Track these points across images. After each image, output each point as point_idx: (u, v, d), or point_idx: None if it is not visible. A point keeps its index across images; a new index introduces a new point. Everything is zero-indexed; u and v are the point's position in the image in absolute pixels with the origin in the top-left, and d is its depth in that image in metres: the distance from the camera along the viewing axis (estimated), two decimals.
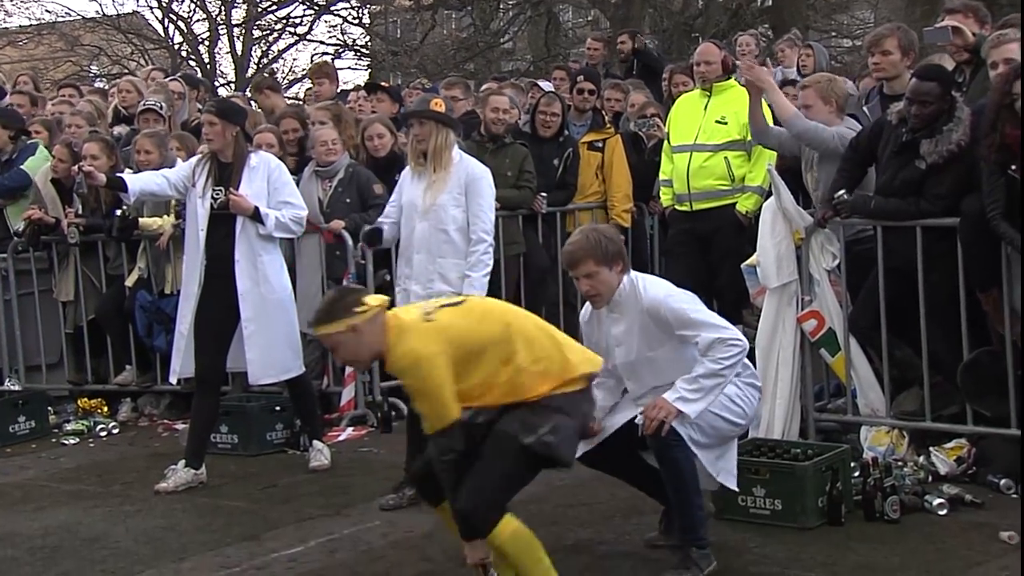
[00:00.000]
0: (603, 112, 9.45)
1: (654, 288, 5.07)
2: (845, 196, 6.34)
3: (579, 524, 5.74)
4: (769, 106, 7.18)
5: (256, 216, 6.82)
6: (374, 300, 4.55)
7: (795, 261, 6.53)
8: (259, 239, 6.90)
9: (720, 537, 5.43)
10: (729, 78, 8.11)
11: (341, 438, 7.73)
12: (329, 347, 4.77)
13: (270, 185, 6.94)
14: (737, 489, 5.27)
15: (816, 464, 5.57)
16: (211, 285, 6.88)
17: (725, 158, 7.90)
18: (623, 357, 5.11)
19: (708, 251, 8.05)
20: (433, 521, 5.97)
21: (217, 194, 6.87)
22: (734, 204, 7.90)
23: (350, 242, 8.06)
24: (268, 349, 6.92)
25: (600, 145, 9.09)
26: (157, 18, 28.33)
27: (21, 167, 9.14)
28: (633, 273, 5.13)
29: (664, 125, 8.74)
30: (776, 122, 7.16)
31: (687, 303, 5.04)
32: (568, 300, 9.10)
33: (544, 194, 8.76)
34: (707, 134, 7.95)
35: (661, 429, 4.83)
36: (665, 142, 8.37)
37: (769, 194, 6.93)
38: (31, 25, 27.57)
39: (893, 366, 6.46)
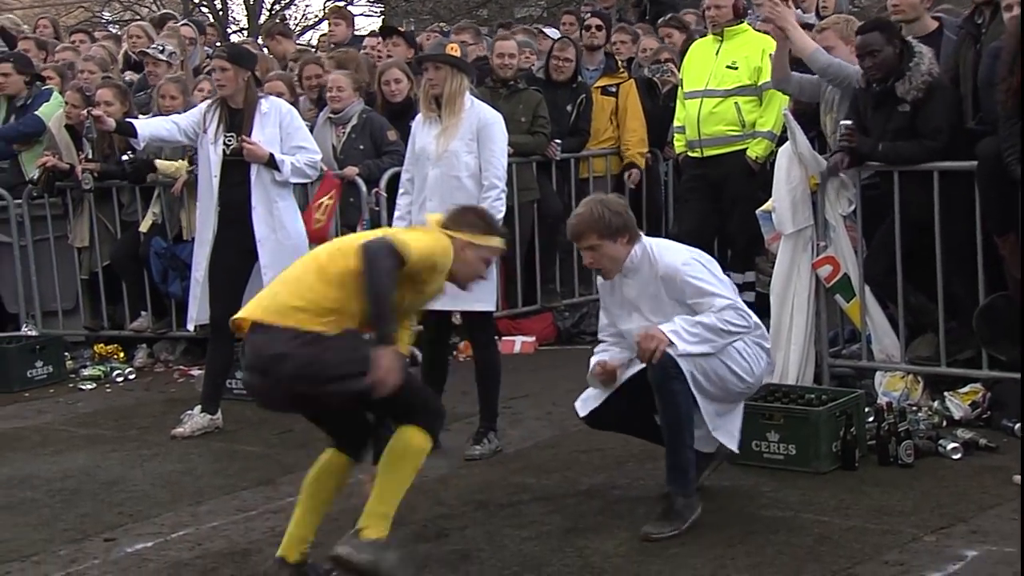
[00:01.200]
0: (615, 57, 9.37)
1: (671, 255, 4.97)
2: (851, 123, 6.28)
3: (593, 469, 5.73)
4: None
5: (271, 163, 6.77)
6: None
7: (810, 207, 6.45)
8: (274, 185, 6.84)
9: (733, 481, 5.43)
10: (741, 22, 8.01)
11: None
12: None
13: (282, 131, 6.87)
14: (737, 451, 5.18)
15: (830, 409, 5.53)
16: (225, 231, 6.84)
17: (735, 103, 7.83)
18: (637, 321, 5.01)
19: (719, 197, 8.03)
20: (447, 466, 6.01)
21: (229, 140, 6.80)
22: (744, 150, 7.84)
23: (364, 189, 8.01)
24: None
25: (614, 90, 9.03)
26: None
27: (36, 113, 9.11)
28: (646, 240, 5.03)
29: (678, 71, 8.68)
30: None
31: (703, 273, 4.94)
32: None
33: (558, 140, 8.72)
34: (717, 79, 7.89)
35: (663, 362, 4.76)
36: (679, 88, 8.30)
37: (783, 139, 6.86)
38: None
39: (908, 312, 6.41)
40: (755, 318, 5.03)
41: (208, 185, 6.88)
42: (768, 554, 4.63)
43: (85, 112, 7.87)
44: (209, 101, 7.09)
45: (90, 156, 8.76)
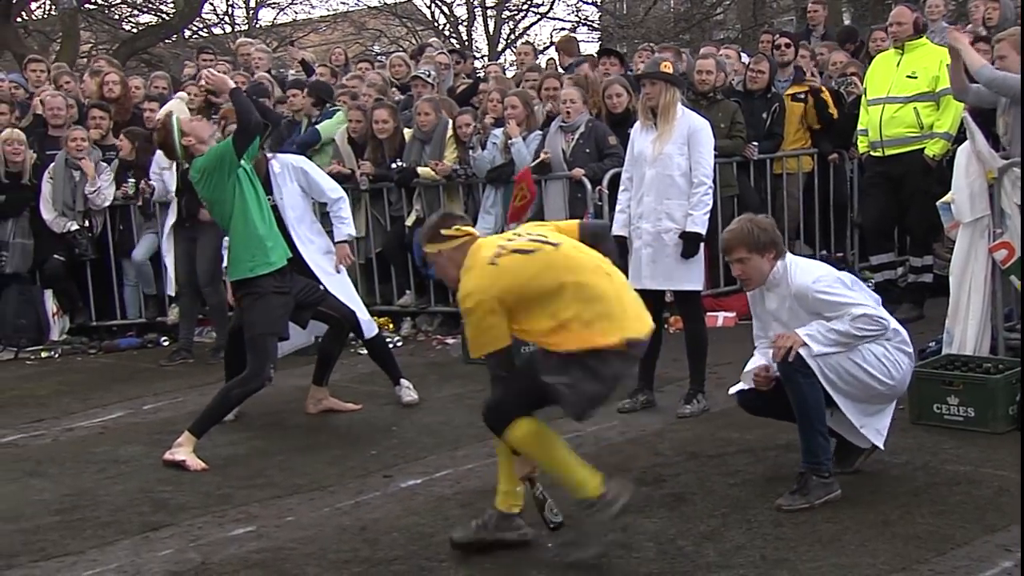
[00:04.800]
0: (803, 68, 9.20)
1: (802, 275, 4.66)
2: None
3: (790, 427, 5.41)
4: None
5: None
6: (464, 231, 4.26)
7: (987, 198, 6.11)
8: None
9: (916, 440, 5.21)
10: (920, 36, 7.75)
11: None
12: (430, 263, 4.46)
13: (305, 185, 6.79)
14: (883, 448, 4.78)
15: (1007, 376, 5.24)
16: None
17: (914, 108, 7.60)
18: (779, 329, 4.74)
19: (899, 191, 7.80)
20: (663, 421, 5.96)
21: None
22: (922, 149, 7.59)
23: (589, 186, 8.00)
24: None
25: (803, 96, 8.86)
26: (426, 4, 28.79)
27: (315, 127, 9.37)
28: (789, 258, 4.76)
29: (861, 82, 8.45)
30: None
31: (834, 287, 4.61)
32: None
33: (755, 143, 8.55)
34: (898, 87, 7.66)
35: (788, 356, 4.50)
36: (863, 96, 8.09)
37: (960, 139, 6.55)
38: (329, 15, 28.48)
39: None
40: (894, 323, 4.65)
41: None
42: (951, 503, 4.42)
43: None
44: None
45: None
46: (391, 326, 9.03)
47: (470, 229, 4.32)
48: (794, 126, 8.85)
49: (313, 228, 6.72)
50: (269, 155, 6.52)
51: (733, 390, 5.02)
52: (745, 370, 4.92)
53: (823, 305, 4.58)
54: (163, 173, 8.64)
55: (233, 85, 6.02)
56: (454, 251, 4.22)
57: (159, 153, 7.80)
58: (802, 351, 4.50)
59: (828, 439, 4.62)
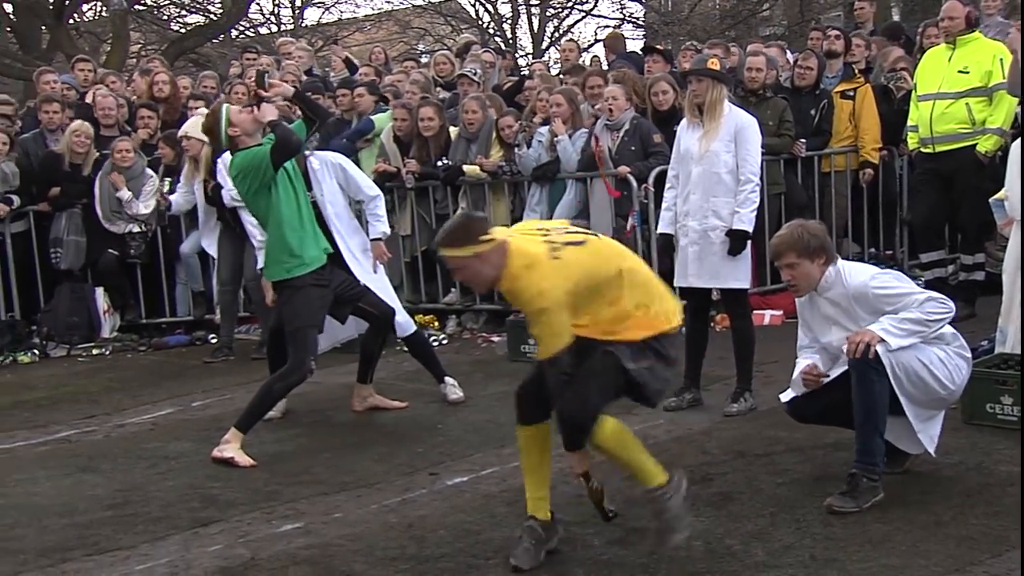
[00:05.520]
0: (853, 65, 9.10)
1: (857, 275, 4.62)
2: None
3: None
4: None
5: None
6: (498, 231, 4.12)
7: None
8: None
9: (969, 440, 5.13)
10: (972, 31, 7.61)
11: None
12: (451, 267, 4.15)
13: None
14: (934, 454, 4.70)
15: None
16: None
17: (966, 104, 7.48)
18: (837, 334, 4.68)
19: (950, 188, 7.69)
20: (710, 420, 5.92)
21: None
22: (974, 145, 7.46)
23: (635, 184, 7.98)
24: None
25: (851, 93, 8.78)
26: (470, 2, 28.86)
27: (370, 116, 9.42)
28: (840, 262, 4.71)
29: (911, 78, 8.34)
30: None
31: (891, 281, 4.58)
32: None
33: (803, 139, 8.48)
34: (950, 83, 7.55)
35: (866, 353, 4.41)
36: (912, 92, 7.97)
37: (1015, 135, 6.44)
38: (374, 14, 28.62)
39: None
40: (952, 305, 4.55)
41: None
42: (1006, 504, 4.34)
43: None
44: None
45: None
46: (436, 324, 9.06)
47: (504, 229, 4.24)
48: (843, 123, 8.76)
49: (351, 225, 6.75)
50: (307, 152, 6.56)
51: (783, 397, 4.96)
52: (793, 378, 4.87)
53: (885, 300, 4.53)
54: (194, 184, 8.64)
55: (292, 91, 6.15)
56: (490, 253, 4.02)
57: (225, 157, 7.93)
58: (879, 347, 4.44)
59: (883, 440, 4.55)
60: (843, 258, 4.92)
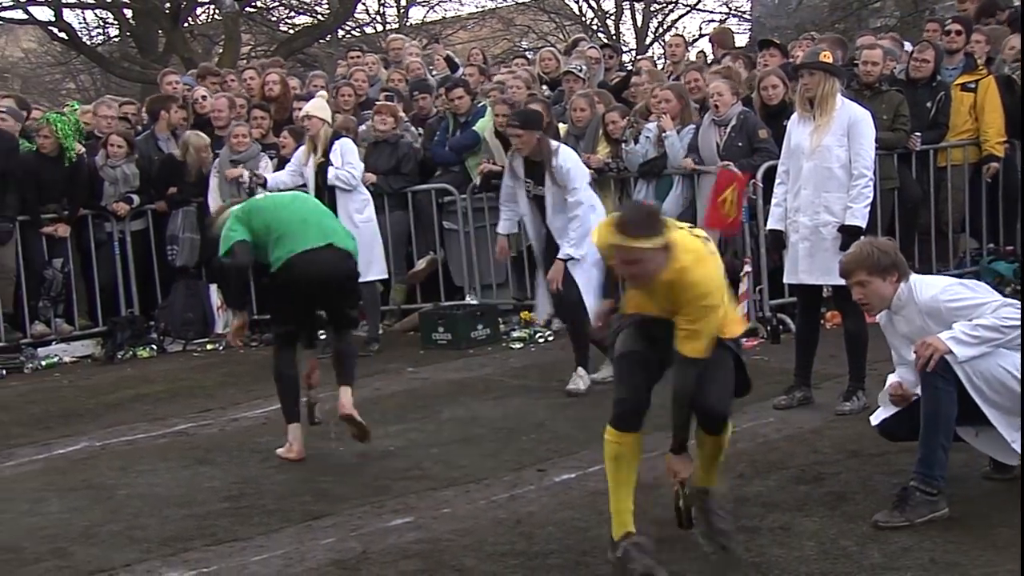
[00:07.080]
0: (974, 56, 8.81)
1: (927, 290, 4.48)
2: None
3: None
4: None
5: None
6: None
7: None
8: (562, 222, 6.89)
9: None
10: None
11: None
12: (626, 259, 3.86)
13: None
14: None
15: None
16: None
17: None
18: None
19: None
20: (821, 418, 5.83)
21: (529, 185, 7.02)
22: None
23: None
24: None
25: (973, 86, 8.51)
26: None
27: (472, 127, 9.43)
28: (913, 278, 4.57)
29: None
30: None
31: (963, 292, 4.43)
32: (940, 228, 8.60)
33: (918, 133, 8.27)
34: None
35: (930, 364, 4.26)
36: None
37: None
38: (477, 11, 28.83)
39: None
40: None
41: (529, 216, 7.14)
42: None
43: None
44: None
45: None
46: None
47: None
48: (962, 116, 8.51)
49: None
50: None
51: (873, 419, 4.85)
52: (880, 394, 4.78)
53: (957, 313, 4.38)
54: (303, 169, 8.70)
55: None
56: (670, 244, 3.85)
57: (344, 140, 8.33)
58: (948, 358, 4.29)
59: (947, 455, 4.40)
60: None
